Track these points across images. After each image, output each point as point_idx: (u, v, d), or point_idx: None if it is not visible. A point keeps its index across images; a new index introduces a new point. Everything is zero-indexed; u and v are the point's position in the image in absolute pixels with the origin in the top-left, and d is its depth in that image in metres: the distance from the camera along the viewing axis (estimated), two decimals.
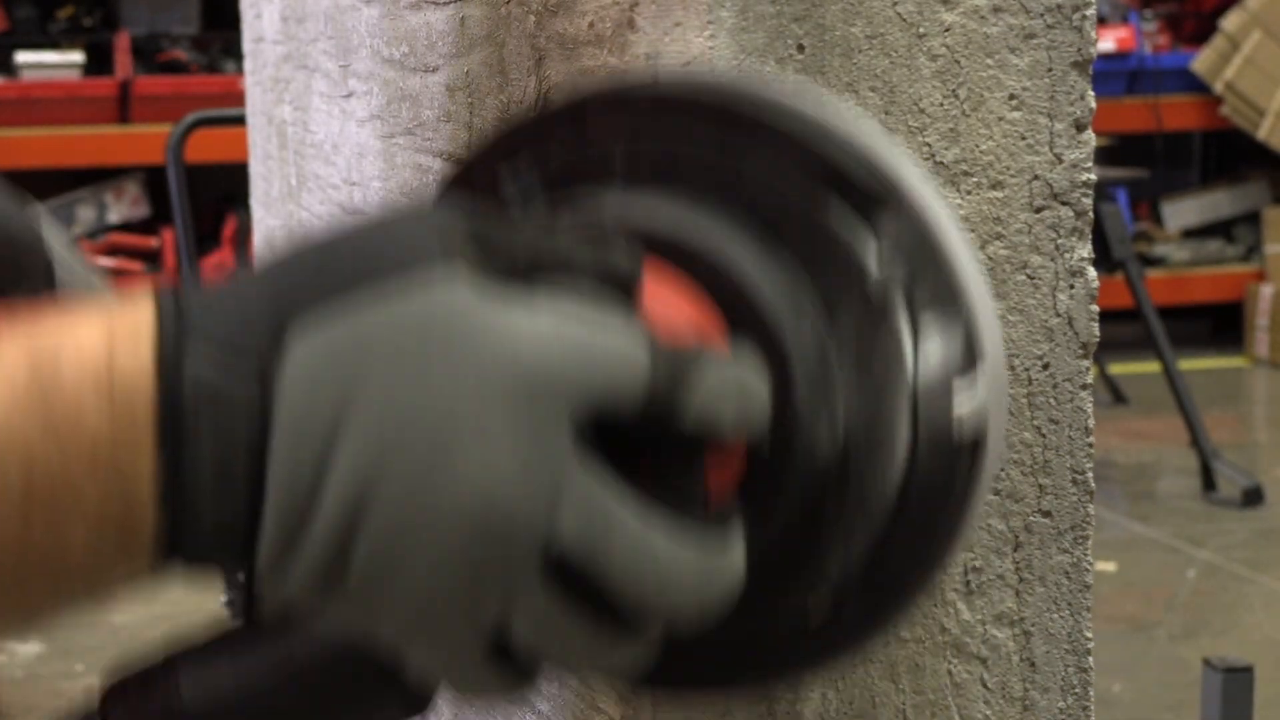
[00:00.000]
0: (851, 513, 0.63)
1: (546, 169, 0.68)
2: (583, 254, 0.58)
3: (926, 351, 0.62)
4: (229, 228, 6.50)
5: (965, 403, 0.63)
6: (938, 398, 0.62)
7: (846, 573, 0.64)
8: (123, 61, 6.53)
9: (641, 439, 0.57)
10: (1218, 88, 7.20)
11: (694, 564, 0.57)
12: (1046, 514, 0.84)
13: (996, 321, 0.66)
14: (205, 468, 0.54)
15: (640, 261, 0.60)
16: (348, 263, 0.56)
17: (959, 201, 0.81)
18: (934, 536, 0.64)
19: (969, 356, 0.63)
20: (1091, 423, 0.84)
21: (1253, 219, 7.46)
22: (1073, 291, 0.83)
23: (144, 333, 0.54)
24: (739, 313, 0.63)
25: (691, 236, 0.64)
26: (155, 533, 0.54)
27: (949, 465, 0.63)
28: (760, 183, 0.64)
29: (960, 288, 0.63)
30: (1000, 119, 0.81)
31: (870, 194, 0.63)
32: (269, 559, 0.55)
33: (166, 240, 6.46)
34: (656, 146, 0.66)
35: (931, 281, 0.63)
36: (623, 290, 0.58)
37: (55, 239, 0.82)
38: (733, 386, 0.58)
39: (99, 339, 0.54)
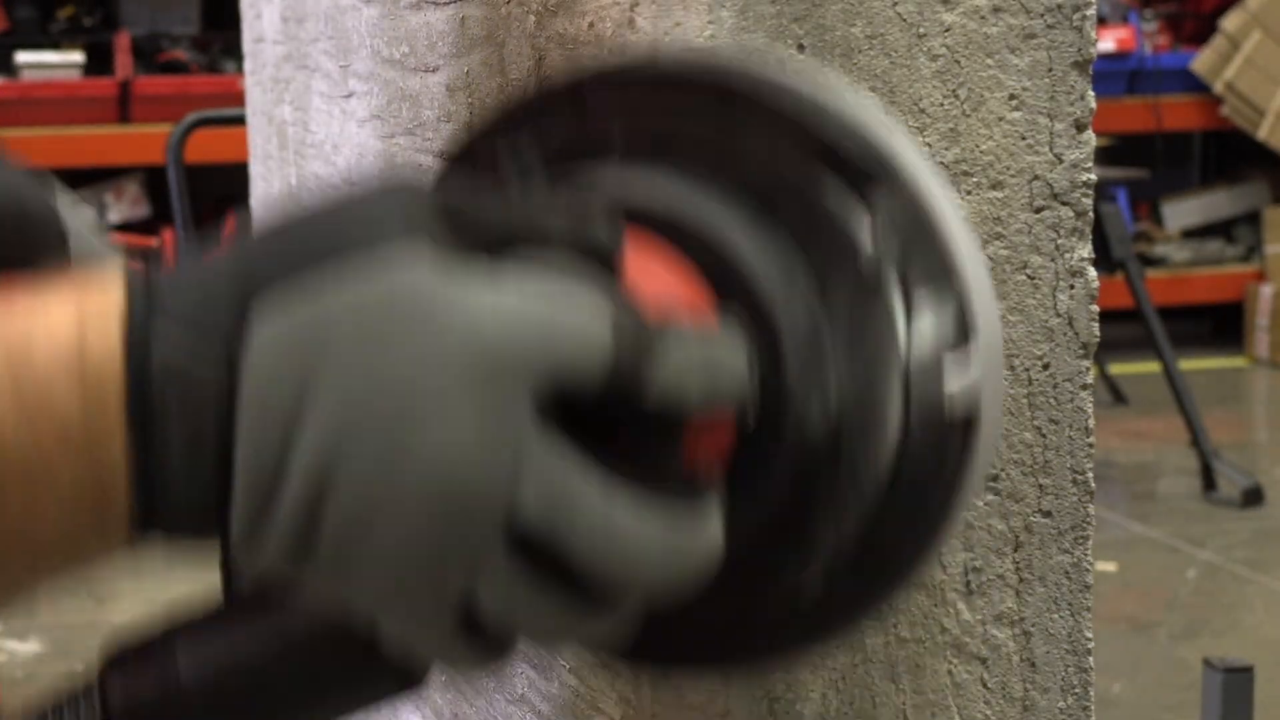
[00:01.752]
0: (843, 490, 0.63)
1: (545, 146, 0.68)
2: (560, 227, 0.59)
3: (919, 328, 0.62)
4: (229, 228, 6.51)
5: (957, 380, 0.62)
6: (930, 374, 0.62)
7: (839, 551, 0.64)
8: (123, 61, 6.53)
9: (614, 414, 0.57)
10: (1218, 88, 7.20)
11: (660, 538, 0.57)
12: (1046, 514, 0.84)
13: (992, 297, 0.65)
14: (175, 448, 0.55)
15: (620, 234, 0.60)
16: (312, 241, 0.57)
17: (959, 202, 0.81)
18: (926, 515, 0.64)
19: (962, 333, 0.62)
20: (1092, 423, 0.84)
21: (1253, 219, 7.46)
22: (1073, 291, 0.83)
23: (114, 315, 0.56)
24: (731, 287, 0.63)
25: (684, 211, 0.64)
26: (129, 510, 0.56)
27: (941, 443, 0.62)
28: (755, 159, 0.64)
29: (954, 264, 0.63)
30: (1000, 119, 0.81)
31: (864, 170, 0.63)
32: (241, 532, 0.56)
33: (166, 240, 6.46)
34: (654, 123, 0.66)
35: (925, 257, 0.63)
36: (601, 263, 0.59)
37: (74, 216, 0.82)
38: (700, 362, 0.58)
39: (70, 322, 0.56)
